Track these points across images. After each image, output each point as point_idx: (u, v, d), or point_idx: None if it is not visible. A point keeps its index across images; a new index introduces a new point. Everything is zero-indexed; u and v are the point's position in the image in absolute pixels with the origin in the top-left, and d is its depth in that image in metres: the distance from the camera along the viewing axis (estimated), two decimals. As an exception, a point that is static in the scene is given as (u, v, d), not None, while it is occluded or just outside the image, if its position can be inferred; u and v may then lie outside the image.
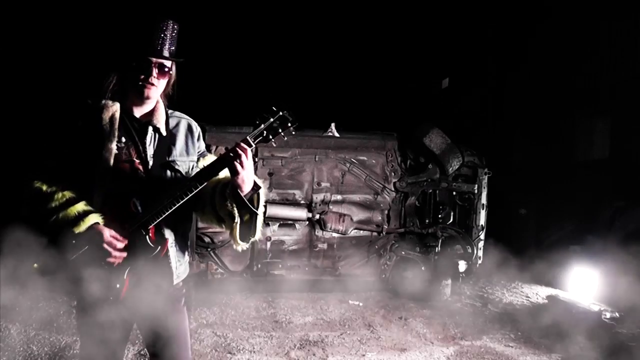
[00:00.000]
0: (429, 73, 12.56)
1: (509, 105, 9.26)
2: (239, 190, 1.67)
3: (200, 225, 4.69)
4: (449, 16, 11.58)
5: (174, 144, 1.84)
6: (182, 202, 1.66)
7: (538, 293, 5.98)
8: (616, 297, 5.39)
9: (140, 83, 1.71)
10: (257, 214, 1.75)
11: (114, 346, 1.81)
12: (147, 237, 1.67)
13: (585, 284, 5.73)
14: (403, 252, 5.47)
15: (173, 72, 1.82)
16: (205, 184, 1.70)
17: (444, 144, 5.42)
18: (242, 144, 1.64)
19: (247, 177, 1.67)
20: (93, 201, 1.68)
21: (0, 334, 3.72)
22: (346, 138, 5.33)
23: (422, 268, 5.47)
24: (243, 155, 1.63)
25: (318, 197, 5.22)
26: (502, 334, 4.40)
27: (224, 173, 1.71)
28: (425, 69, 12.72)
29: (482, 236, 5.81)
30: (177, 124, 1.88)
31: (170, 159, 1.81)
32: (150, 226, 1.67)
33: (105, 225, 1.66)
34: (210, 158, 1.89)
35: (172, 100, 1.90)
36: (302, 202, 5.20)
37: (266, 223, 5.01)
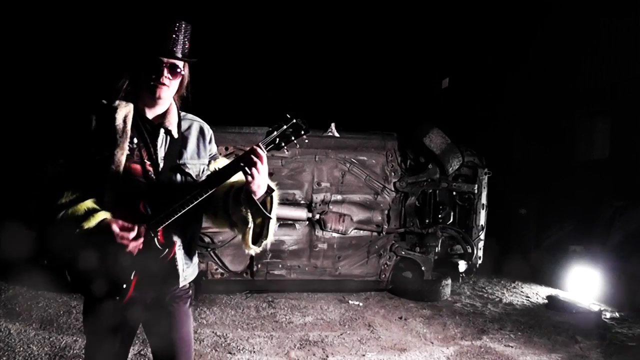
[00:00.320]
0: (429, 73, 12.56)
1: (509, 105, 9.26)
2: (252, 195, 1.68)
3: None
4: (449, 16, 11.58)
5: (185, 146, 1.83)
6: (192, 205, 1.66)
7: (538, 293, 5.98)
8: (616, 297, 5.40)
9: (152, 83, 1.71)
10: (270, 218, 1.76)
11: (119, 346, 1.82)
12: (156, 239, 1.67)
13: (585, 284, 5.73)
14: (403, 252, 5.47)
15: (185, 73, 1.81)
16: (216, 188, 1.70)
17: (444, 144, 5.42)
18: (258, 150, 1.64)
19: (262, 182, 1.68)
20: (103, 201, 1.68)
21: (0, 334, 3.72)
22: (346, 138, 5.32)
23: (422, 268, 5.47)
24: (258, 162, 1.63)
25: (318, 197, 5.22)
26: (502, 334, 4.40)
27: (236, 177, 1.71)
28: (425, 69, 12.72)
29: (482, 236, 5.81)
30: (189, 127, 1.87)
31: (181, 161, 1.80)
32: (159, 228, 1.67)
33: None
34: (222, 161, 1.89)
35: (187, 102, 1.90)
36: (302, 202, 5.20)
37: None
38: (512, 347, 4.07)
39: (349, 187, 5.32)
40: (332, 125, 5.37)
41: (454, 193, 5.81)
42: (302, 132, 1.68)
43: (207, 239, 4.88)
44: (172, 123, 1.80)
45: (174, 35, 1.72)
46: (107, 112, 1.73)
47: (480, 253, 5.81)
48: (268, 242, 1.82)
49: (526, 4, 8.80)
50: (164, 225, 1.66)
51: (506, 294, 5.84)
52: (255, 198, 1.68)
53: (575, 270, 5.93)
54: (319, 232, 5.24)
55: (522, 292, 6.02)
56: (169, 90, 1.75)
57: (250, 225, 1.74)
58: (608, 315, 5.06)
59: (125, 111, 1.74)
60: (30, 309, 4.34)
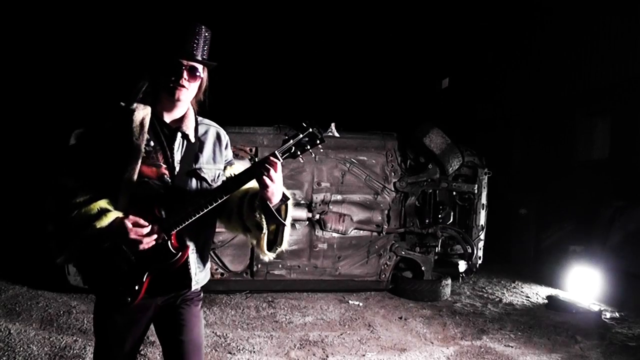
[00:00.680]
0: (429, 73, 12.57)
1: (509, 105, 9.27)
2: (267, 203, 1.69)
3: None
4: (449, 16, 11.59)
5: (201, 151, 1.84)
6: (207, 210, 1.67)
7: (538, 293, 5.98)
8: (616, 297, 5.40)
9: (171, 85, 1.72)
10: (284, 225, 1.77)
11: (129, 348, 1.82)
12: (169, 242, 1.68)
13: (585, 284, 5.73)
14: (403, 252, 5.47)
15: (204, 77, 1.82)
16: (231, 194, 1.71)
17: (444, 144, 5.42)
18: (272, 158, 1.65)
19: (277, 189, 1.69)
20: (118, 203, 1.69)
21: (0, 334, 3.72)
22: (346, 138, 5.32)
23: (422, 268, 5.48)
24: (272, 170, 1.64)
25: (318, 197, 5.22)
26: (502, 334, 4.39)
27: (251, 184, 1.73)
28: (425, 69, 12.73)
29: (482, 236, 5.81)
30: (206, 132, 1.88)
31: (196, 166, 1.80)
32: (173, 232, 1.68)
33: None
34: (238, 167, 1.90)
35: (204, 107, 1.91)
36: (302, 202, 5.20)
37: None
38: (512, 347, 4.07)
39: (349, 187, 5.32)
40: (332, 125, 5.35)
41: (454, 193, 5.81)
42: (318, 142, 1.69)
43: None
44: (189, 127, 1.81)
45: (194, 39, 1.74)
46: (124, 114, 1.74)
47: (481, 253, 5.81)
48: (282, 249, 1.84)
49: (526, 4, 8.81)
50: (178, 228, 1.67)
51: (506, 294, 5.84)
52: (271, 205, 1.69)
53: (575, 270, 5.92)
54: (319, 232, 5.24)
55: (522, 292, 6.02)
56: (188, 93, 1.77)
57: (265, 231, 1.76)
58: (608, 315, 5.06)
59: (142, 114, 1.75)
60: (30, 309, 4.33)
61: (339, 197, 5.29)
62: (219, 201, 1.68)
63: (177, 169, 1.76)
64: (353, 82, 13.55)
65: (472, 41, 10.66)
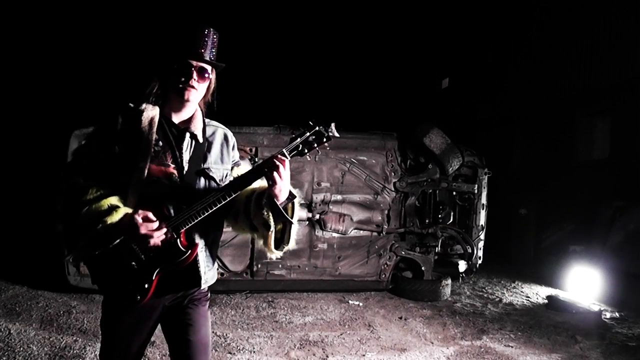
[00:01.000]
0: (429, 73, 12.57)
1: (509, 105, 9.26)
2: (275, 200, 1.70)
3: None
4: (449, 16, 11.59)
5: (209, 151, 1.86)
6: (215, 209, 1.69)
7: (538, 293, 5.98)
8: (616, 297, 5.40)
9: (181, 86, 1.74)
10: (292, 223, 1.78)
11: (136, 347, 1.83)
12: (178, 240, 1.69)
13: (585, 284, 5.73)
14: (403, 252, 5.47)
15: (213, 78, 1.85)
16: (239, 192, 1.72)
17: (444, 144, 5.42)
18: (280, 156, 1.67)
19: (285, 187, 1.70)
20: (127, 202, 1.70)
21: (0, 334, 3.72)
22: (346, 138, 5.32)
23: (422, 268, 5.48)
24: (281, 167, 1.66)
25: (318, 197, 5.22)
26: (502, 334, 4.40)
27: (258, 183, 1.74)
28: (426, 69, 12.73)
29: (482, 236, 5.81)
30: (214, 133, 1.91)
31: (205, 166, 1.83)
32: (182, 230, 1.69)
33: None
34: (244, 168, 1.92)
35: (212, 108, 1.93)
36: (302, 202, 5.20)
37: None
38: (512, 347, 4.07)
39: (349, 187, 5.32)
40: (332, 125, 5.36)
41: (454, 193, 5.81)
42: (324, 140, 1.71)
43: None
44: (197, 128, 1.84)
45: (203, 40, 1.77)
46: (133, 114, 1.76)
47: (480, 253, 5.81)
48: (289, 247, 1.85)
49: (526, 4, 8.80)
50: (187, 227, 1.69)
51: (506, 294, 5.84)
52: (278, 203, 1.70)
53: (575, 270, 5.92)
54: (319, 232, 5.24)
55: (522, 292, 6.02)
56: (197, 94, 1.79)
57: (272, 229, 1.76)
58: (608, 315, 5.06)
59: (151, 114, 1.77)
60: (30, 309, 4.33)
61: (339, 197, 5.29)
62: (228, 199, 1.69)
63: (186, 168, 1.78)
64: (353, 82, 13.55)
65: (472, 41, 10.66)
